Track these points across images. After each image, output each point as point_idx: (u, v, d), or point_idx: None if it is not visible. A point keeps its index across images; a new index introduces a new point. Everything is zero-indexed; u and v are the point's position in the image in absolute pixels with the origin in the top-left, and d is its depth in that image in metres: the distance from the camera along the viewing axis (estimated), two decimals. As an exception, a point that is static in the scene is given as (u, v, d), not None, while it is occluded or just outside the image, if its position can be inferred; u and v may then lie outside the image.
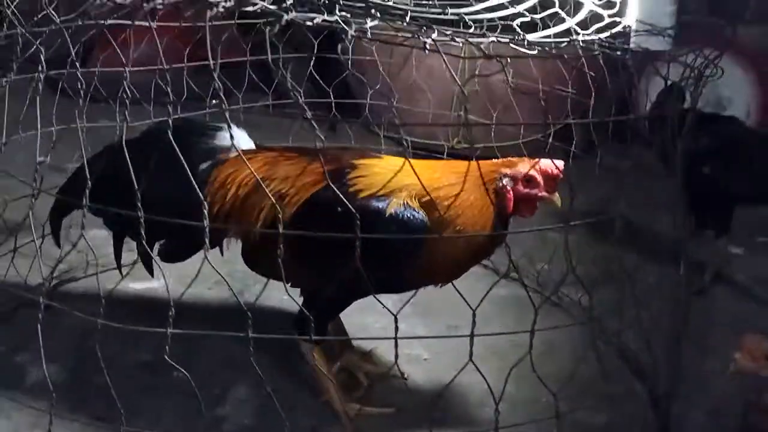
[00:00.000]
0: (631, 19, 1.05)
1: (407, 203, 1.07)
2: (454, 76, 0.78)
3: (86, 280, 1.63)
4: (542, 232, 1.66)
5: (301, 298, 1.24)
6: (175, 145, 0.77)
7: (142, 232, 0.81)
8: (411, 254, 1.09)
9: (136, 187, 0.89)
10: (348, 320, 1.37)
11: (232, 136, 0.84)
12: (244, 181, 1.20)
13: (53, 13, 0.79)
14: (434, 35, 0.76)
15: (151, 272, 1.31)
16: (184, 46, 1.59)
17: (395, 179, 1.08)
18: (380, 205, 1.07)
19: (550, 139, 1.62)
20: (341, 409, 1.22)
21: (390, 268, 1.08)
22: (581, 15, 1.00)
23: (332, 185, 0.90)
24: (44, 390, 1.23)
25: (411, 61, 1.80)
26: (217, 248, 1.31)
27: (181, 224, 0.93)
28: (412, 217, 1.06)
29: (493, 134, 1.62)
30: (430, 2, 1.24)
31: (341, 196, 0.85)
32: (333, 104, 1.62)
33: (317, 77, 1.77)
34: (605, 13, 1.03)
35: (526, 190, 1.10)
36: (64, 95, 1.19)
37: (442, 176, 1.10)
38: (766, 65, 2.67)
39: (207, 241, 0.78)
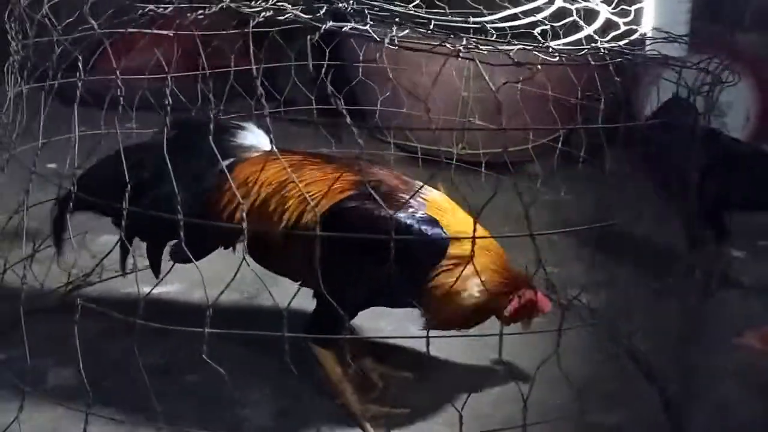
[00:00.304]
0: (647, 26, 1.07)
1: (434, 219, 1.11)
2: (489, 83, 0.79)
3: (99, 284, 1.64)
4: (548, 237, 1.68)
5: (314, 300, 1.26)
6: (212, 143, 0.78)
7: (182, 234, 0.82)
8: (431, 265, 1.12)
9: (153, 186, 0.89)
10: (360, 324, 1.39)
11: (271, 139, 0.85)
12: (267, 180, 1.20)
13: (92, 20, 0.80)
14: (464, 42, 0.79)
15: (157, 275, 1.30)
16: (191, 53, 1.60)
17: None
18: (407, 217, 1.10)
19: (560, 144, 1.65)
20: (358, 411, 1.23)
21: (408, 279, 1.11)
22: (598, 23, 1.03)
23: (371, 192, 0.91)
24: (63, 392, 1.25)
25: (422, 67, 1.82)
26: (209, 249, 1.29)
27: (196, 224, 0.94)
28: (437, 235, 1.10)
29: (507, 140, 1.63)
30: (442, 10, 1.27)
31: (377, 198, 0.86)
32: (344, 110, 1.63)
33: (328, 84, 1.78)
34: (620, 21, 1.05)
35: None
36: (65, 103, 1.20)
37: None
38: (764, 71, 2.71)
39: (245, 242, 0.79)
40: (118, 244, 1.29)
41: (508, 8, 1.20)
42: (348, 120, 0.79)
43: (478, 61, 0.75)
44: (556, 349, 0.84)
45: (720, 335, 1.47)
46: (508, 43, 0.86)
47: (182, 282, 1.60)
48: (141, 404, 1.14)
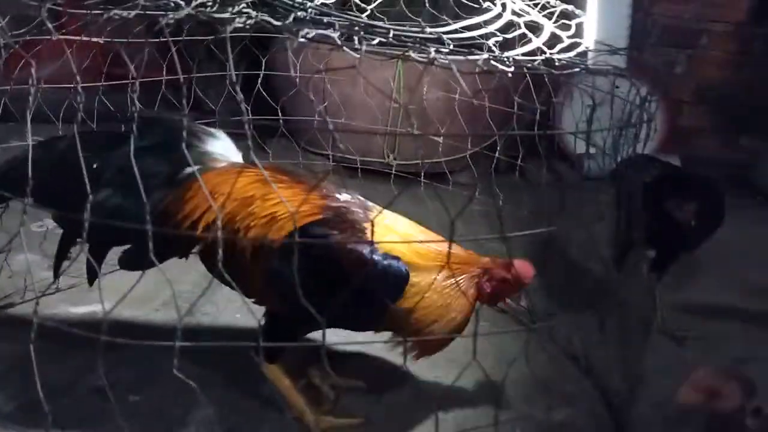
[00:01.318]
0: (589, 40, 1.13)
1: (393, 255, 1.12)
2: (466, 90, 0.80)
3: (23, 306, 1.54)
4: (482, 244, 1.73)
5: (263, 317, 1.24)
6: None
7: (150, 246, 0.78)
8: (391, 300, 1.13)
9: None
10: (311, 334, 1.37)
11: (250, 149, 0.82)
12: (234, 194, 1.16)
13: (50, 25, 0.75)
14: (433, 52, 0.80)
15: (91, 283, 1.24)
16: (102, 62, 1.54)
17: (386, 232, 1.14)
18: (371, 251, 1.11)
19: (497, 154, 1.70)
20: (312, 423, 1.22)
21: (364, 313, 1.13)
22: (544, 36, 1.07)
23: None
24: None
25: (354, 78, 1.82)
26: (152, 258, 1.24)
27: (154, 231, 0.90)
28: (398, 269, 1.11)
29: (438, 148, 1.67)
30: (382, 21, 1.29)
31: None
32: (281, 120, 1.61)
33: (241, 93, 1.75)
34: (563, 34, 1.11)
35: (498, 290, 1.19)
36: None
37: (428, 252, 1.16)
38: (665, 85, 2.91)
39: (220, 251, 0.77)
40: (20, 265, 1.21)
41: (448, 22, 1.23)
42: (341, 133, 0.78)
43: (455, 69, 0.77)
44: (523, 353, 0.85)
45: (650, 334, 1.56)
46: (471, 53, 0.89)
47: (110, 300, 1.54)
48: (87, 426, 1.08)
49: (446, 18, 1.45)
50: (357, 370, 1.40)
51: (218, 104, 1.78)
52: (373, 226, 0.90)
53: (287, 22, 0.82)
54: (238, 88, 0.71)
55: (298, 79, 1.76)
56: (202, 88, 1.79)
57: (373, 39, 0.85)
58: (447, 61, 0.79)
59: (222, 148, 1.22)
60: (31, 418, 1.15)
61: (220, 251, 0.75)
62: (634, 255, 1.38)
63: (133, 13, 0.80)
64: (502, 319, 1.65)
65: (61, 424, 1.14)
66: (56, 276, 1.28)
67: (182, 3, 0.84)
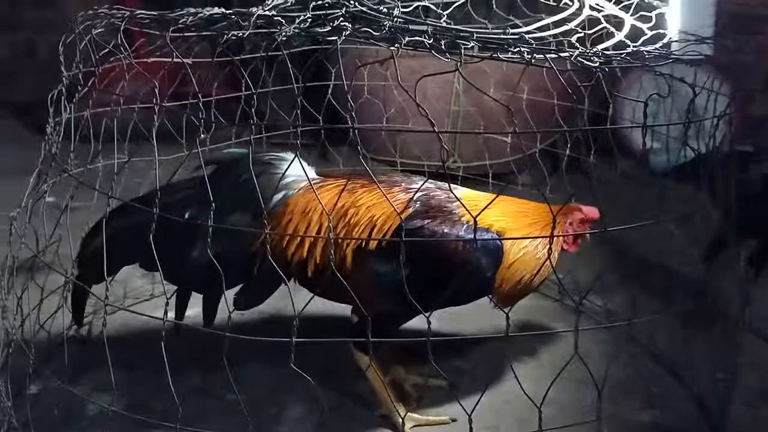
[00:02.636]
0: (673, 30, 1.12)
1: (491, 229, 1.16)
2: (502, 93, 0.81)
3: (120, 313, 1.63)
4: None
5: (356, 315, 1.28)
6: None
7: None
8: (490, 279, 1.16)
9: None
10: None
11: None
12: (327, 208, 1.17)
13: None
14: (525, 52, 0.82)
15: (209, 324, 1.29)
16: (169, 84, 1.59)
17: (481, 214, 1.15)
18: (466, 230, 1.14)
19: (567, 151, 1.70)
20: (400, 421, 1.24)
21: (467, 290, 1.17)
22: (625, 29, 1.07)
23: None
24: (105, 420, 1.23)
25: (412, 83, 1.83)
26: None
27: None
28: (493, 241, 1.15)
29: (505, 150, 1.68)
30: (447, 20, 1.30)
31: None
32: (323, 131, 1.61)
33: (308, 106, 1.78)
34: (644, 26, 1.10)
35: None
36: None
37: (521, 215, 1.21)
38: (740, 77, 2.81)
39: (332, 252, 0.80)
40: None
41: (518, 23, 1.24)
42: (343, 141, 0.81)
43: (556, 70, 0.79)
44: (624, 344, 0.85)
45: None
46: (559, 51, 0.90)
47: (199, 306, 1.60)
48: (195, 424, 1.14)
49: (514, 19, 1.46)
50: (441, 367, 1.42)
51: (282, 117, 1.81)
52: (475, 218, 0.91)
53: (383, 32, 0.85)
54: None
55: (366, 88, 1.79)
56: (266, 101, 1.84)
57: (467, 44, 0.87)
58: (544, 60, 0.80)
59: (297, 168, 1.23)
60: (139, 415, 1.21)
61: (332, 252, 0.78)
62: (728, 252, 1.35)
63: (247, 32, 0.84)
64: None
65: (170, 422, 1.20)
66: (179, 321, 1.31)
67: (282, 20, 0.88)
